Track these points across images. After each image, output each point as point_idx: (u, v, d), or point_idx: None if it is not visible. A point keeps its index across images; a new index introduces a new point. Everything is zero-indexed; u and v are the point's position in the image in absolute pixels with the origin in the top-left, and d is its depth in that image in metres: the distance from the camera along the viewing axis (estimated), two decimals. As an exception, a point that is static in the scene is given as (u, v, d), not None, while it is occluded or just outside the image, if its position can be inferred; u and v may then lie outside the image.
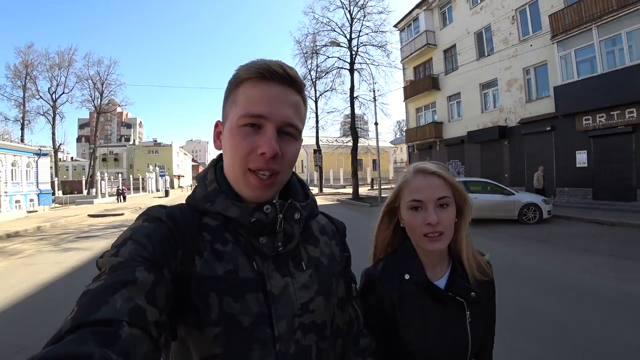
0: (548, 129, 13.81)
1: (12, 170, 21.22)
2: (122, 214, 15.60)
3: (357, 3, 19.22)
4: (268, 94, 0.59)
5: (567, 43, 12.81)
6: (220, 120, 0.66)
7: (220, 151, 0.67)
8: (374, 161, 44.99)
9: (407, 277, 0.87)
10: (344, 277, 0.76)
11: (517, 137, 15.33)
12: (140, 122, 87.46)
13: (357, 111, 20.83)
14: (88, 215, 14.99)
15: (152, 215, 0.60)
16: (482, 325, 0.88)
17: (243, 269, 0.59)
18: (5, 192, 15.87)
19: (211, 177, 0.65)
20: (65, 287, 4.94)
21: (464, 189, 0.87)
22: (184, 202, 0.66)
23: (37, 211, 19.16)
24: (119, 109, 38.97)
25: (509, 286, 4.15)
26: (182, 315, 0.56)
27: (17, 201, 20.70)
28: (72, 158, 70.05)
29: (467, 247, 0.89)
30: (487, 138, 16.56)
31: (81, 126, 78.13)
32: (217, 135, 0.67)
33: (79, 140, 77.41)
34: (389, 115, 60.07)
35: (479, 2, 17.48)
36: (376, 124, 17.41)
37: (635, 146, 11.37)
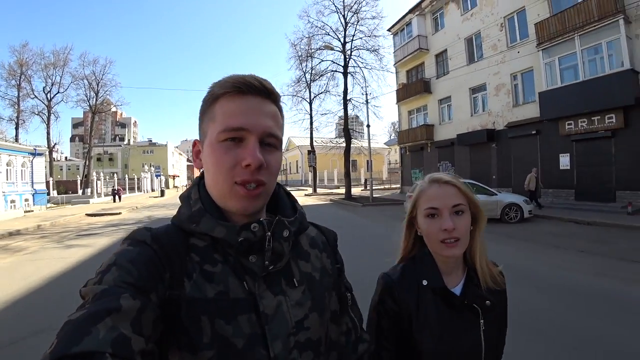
0: (533, 132, 14.35)
1: (7, 170, 21.29)
2: (119, 213, 15.88)
3: (351, 8, 19.71)
4: (246, 106, 0.59)
5: (551, 51, 13.35)
6: (198, 139, 0.66)
7: (201, 170, 0.67)
8: (367, 162, 45.70)
9: (424, 283, 0.90)
10: (337, 289, 0.75)
11: (505, 140, 15.87)
12: (135, 122, 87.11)
13: (350, 113, 21.28)
14: (86, 214, 15.27)
15: (136, 239, 0.58)
16: (495, 334, 0.91)
17: (234, 289, 0.58)
18: (3, 192, 16.03)
19: (195, 197, 0.64)
20: (71, 280, 5.29)
21: (476, 197, 0.91)
22: (169, 222, 0.66)
23: (33, 211, 19.32)
24: (113, 109, 38.93)
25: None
26: (174, 339, 0.54)
27: (12, 201, 20.75)
28: (66, 158, 69.62)
29: (482, 255, 0.92)
30: (475, 141, 17.08)
31: (75, 125, 77.61)
32: (197, 155, 0.66)
33: (72, 139, 76.87)
34: (381, 118, 60.77)
35: (469, 8, 18.02)
36: (368, 126, 17.92)
37: (614, 150, 11.93)
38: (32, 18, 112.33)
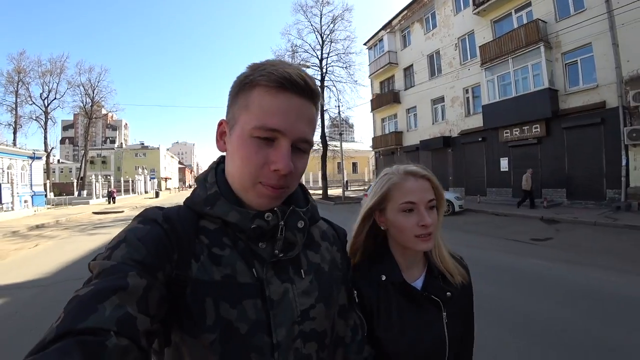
0: (480, 139, 16.62)
1: (7, 172, 22.93)
2: (122, 212, 17.91)
3: (328, 27, 21.87)
4: (286, 106, 0.56)
5: (492, 70, 15.62)
6: (225, 119, 0.63)
7: (223, 153, 0.65)
8: (353, 164, 47.87)
9: (383, 278, 0.88)
10: (345, 283, 0.75)
11: (459, 146, 18.12)
12: (126, 124, 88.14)
13: (331, 117, 23.40)
14: (92, 212, 17.19)
15: (148, 217, 0.58)
16: (459, 325, 0.90)
17: (241, 274, 0.57)
18: (17, 193, 17.76)
19: (212, 180, 0.63)
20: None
21: (443, 191, 0.91)
22: (181, 204, 0.64)
23: (36, 211, 21.00)
24: (103, 111, 40.29)
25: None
26: (176, 320, 0.54)
27: (11, 203, 22.43)
28: (58, 160, 70.56)
29: (440, 246, 0.92)
30: (435, 146, 19.32)
31: (65, 128, 78.41)
32: (221, 136, 0.63)
33: (62, 142, 77.69)
34: (352, 125, 63.34)
35: (431, 29, 20.31)
36: (340, 134, 20.06)
37: (540, 155, 14.20)
38: (29, 27, 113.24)
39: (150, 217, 0.58)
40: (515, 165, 15.19)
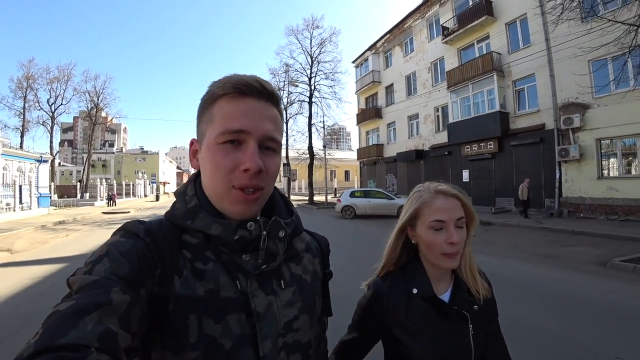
0: (446, 153, 18.76)
1: (17, 175, 24.74)
2: (129, 212, 19.98)
3: (317, 48, 24.12)
4: (246, 108, 0.58)
5: (456, 92, 17.80)
6: (195, 138, 0.64)
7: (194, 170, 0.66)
8: (345, 172, 49.97)
9: (415, 291, 0.91)
10: (324, 294, 0.77)
11: (429, 158, 20.26)
12: (125, 128, 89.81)
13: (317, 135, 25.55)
14: (102, 212, 19.17)
15: (129, 231, 0.57)
16: (484, 337, 0.93)
17: (225, 288, 0.57)
18: (35, 193, 19.68)
19: (191, 193, 0.63)
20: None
21: (473, 209, 0.93)
22: (162, 216, 0.63)
23: (49, 212, 22.82)
24: (103, 114, 41.97)
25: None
26: (158, 338, 0.53)
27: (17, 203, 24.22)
28: (59, 163, 72.12)
29: (471, 263, 0.94)
30: (409, 158, 21.46)
31: (64, 130, 79.88)
32: (194, 154, 0.65)
33: (61, 144, 79.27)
34: (349, 133, 65.40)
35: (409, 52, 22.60)
36: (324, 146, 22.16)
37: (494, 168, 16.33)
38: (38, 34, 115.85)
39: (132, 231, 0.57)
40: (474, 176, 17.30)
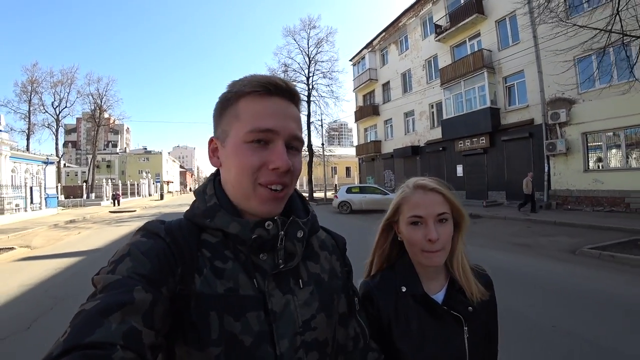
0: (441, 149, 19.26)
1: (25, 177, 25.46)
2: (134, 211, 20.81)
3: (315, 48, 24.62)
4: (274, 108, 0.59)
5: (450, 89, 18.26)
6: (214, 136, 0.65)
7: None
8: (346, 168, 50.47)
9: (403, 289, 0.88)
10: (345, 292, 0.76)
11: (425, 154, 20.77)
12: (128, 129, 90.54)
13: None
14: (109, 211, 19.93)
15: (150, 231, 0.59)
16: (481, 342, 0.88)
17: (244, 286, 0.58)
18: (45, 194, 20.41)
19: (210, 192, 0.64)
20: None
21: (461, 205, 0.89)
22: (182, 216, 0.65)
23: (59, 211, 23.57)
24: (106, 115, 42.62)
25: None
26: (181, 334, 0.54)
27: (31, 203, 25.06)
28: (64, 164, 72.98)
29: (464, 262, 0.90)
30: (406, 154, 21.96)
31: (68, 132, 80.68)
32: (213, 152, 0.65)
33: (65, 145, 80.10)
34: (351, 130, 65.57)
35: (404, 50, 23.03)
36: (323, 144, 22.72)
37: (486, 162, 16.83)
38: (41, 38, 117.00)
39: (153, 231, 0.59)
40: (467, 171, 17.82)
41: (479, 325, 0.88)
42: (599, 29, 7.18)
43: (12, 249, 8.20)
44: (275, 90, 0.60)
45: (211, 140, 0.66)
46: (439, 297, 0.89)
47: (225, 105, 0.62)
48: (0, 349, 3.11)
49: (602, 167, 12.87)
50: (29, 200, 18.08)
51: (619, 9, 7.62)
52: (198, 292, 0.56)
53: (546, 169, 14.18)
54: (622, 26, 7.51)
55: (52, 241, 9.82)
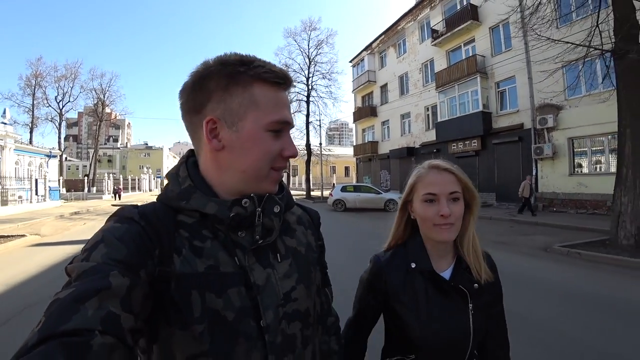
0: (435, 151, 19.77)
1: (27, 169, 25.96)
2: (137, 205, 21.23)
3: (315, 50, 25.16)
4: (286, 100, 0.64)
5: (444, 93, 18.79)
6: (214, 116, 0.61)
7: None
8: (345, 168, 51.04)
9: (413, 265, 0.92)
10: (320, 264, 0.80)
11: (420, 155, 21.27)
12: (129, 124, 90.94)
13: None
14: (111, 204, 20.50)
15: (123, 216, 0.58)
16: (484, 318, 0.91)
17: (224, 263, 0.59)
18: (49, 187, 20.95)
19: (184, 174, 0.64)
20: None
21: (474, 187, 0.94)
22: (154, 201, 0.65)
23: (62, 204, 24.07)
24: (108, 110, 43.07)
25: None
26: (163, 316, 0.55)
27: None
28: (66, 158, 73.30)
29: (474, 242, 0.93)
30: (401, 155, 22.51)
31: (69, 125, 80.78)
32: (212, 133, 0.61)
33: (66, 139, 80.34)
34: (352, 129, 66.93)
35: (402, 54, 23.56)
36: (320, 144, 23.29)
37: (477, 165, 17.37)
38: (46, 31, 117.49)
39: (126, 216, 0.58)
40: (461, 173, 18.37)
41: (483, 303, 0.92)
42: (570, 43, 7.70)
43: (23, 236, 8.74)
44: (285, 83, 0.64)
45: (210, 120, 0.61)
46: (446, 274, 0.93)
47: (234, 83, 0.60)
48: (30, 314, 3.78)
49: (587, 171, 13.41)
50: (33, 192, 18.64)
51: (599, 23, 8.15)
52: (178, 272, 0.56)
53: (534, 173, 14.71)
54: (601, 38, 8.04)
55: (60, 230, 10.38)
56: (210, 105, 0.61)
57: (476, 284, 0.91)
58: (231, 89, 0.60)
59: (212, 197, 0.62)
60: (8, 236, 8.63)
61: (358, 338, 1.02)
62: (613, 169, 12.43)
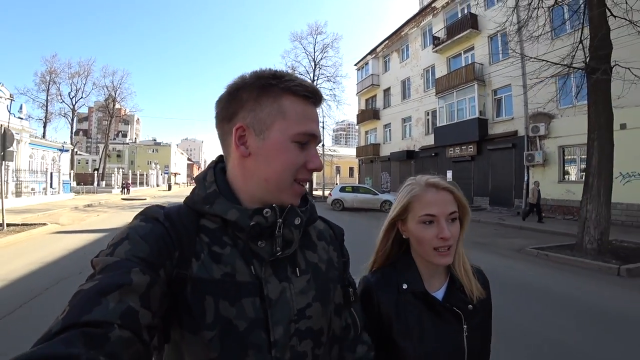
0: (433, 154, 20.42)
1: (40, 162, 26.94)
2: (145, 199, 22.37)
3: (321, 53, 25.91)
4: (314, 115, 0.66)
5: (443, 99, 19.38)
6: (244, 124, 0.63)
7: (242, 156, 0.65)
8: (350, 168, 51.71)
9: (405, 286, 0.89)
10: (342, 282, 0.76)
11: (419, 158, 21.94)
12: (138, 119, 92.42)
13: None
14: (121, 199, 21.47)
15: (149, 215, 0.61)
16: (479, 339, 0.90)
17: (240, 272, 0.59)
18: (63, 180, 21.95)
19: (210, 179, 0.66)
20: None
21: (467, 203, 0.91)
22: (181, 202, 0.67)
23: (74, 196, 25.04)
24: (117, 106, 44.19)
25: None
26: (176, 317, 0.56)
27: (43, 188, 26.52)
28: (76, 152, 74.70)
29: (464, 259, 0.92)
30: (401, 158, 23.15)
31: (79, 120, 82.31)
32: (242, 141, 0.64)
33: (76, 133, 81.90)
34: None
35: (405, 59, 24.16)
36: (323, 145, 24.04)
37: (473, 169, 17.97)
38: (59, 29, 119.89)
39: (152, 216, 0.61)
40: (456, 177, 18.91)
41: (477, 323, 0.90)
42: (545, 60, 8.33)
43: (44, 224, 9.62)
44: (314, 98, 0.65)
45: (240, 127, 0.63)
46: (439, 294, 0.90)
47: (265, 94, 0.62)
48: (64, 286, 4.65)
49: (575, 179, 13.93)
50: (48, 185, 19.64)
51: (582, 39, 8.75)
52: (195, 276, 0.57)
53: (525, 179, 15.28)
54: (584, 53, 8.62)
55: (77, 220, 11.32)
56: (242, 114, 0.63)
57: (470, 305, 0.89)
58: (262, 99, 0.62)
59: (235, 204, 0.63)
60: (32, 224, 9.55)
61: None
62: (600, 178, 13.06)
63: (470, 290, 0.90)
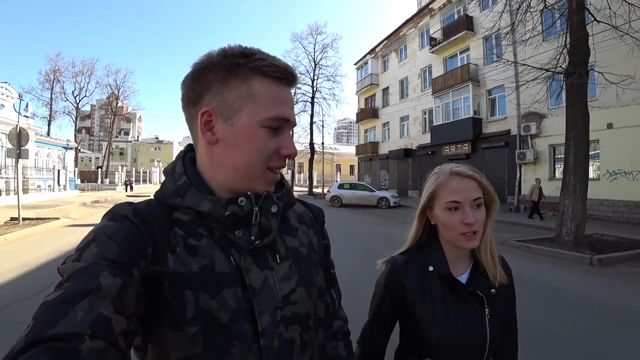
0: (430, 153, 20.92)
1: (46, 160, 27.50)
2: (149, 196, 22.76)
3: (321, 53, 26.39)
4: (287, 98, 0.61)
5: (439, 98, 19.85)
6: (210, 108, 0.59)
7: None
8: (350, 166, 52.22)
9: (430, 269, 0.93)
10: (323, 265, 0.76)
11: (416, 157, 22.44)
12: (140, 117, 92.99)
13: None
14: (126, 195, 22.04)
15: (117, 214, 0.57)
16: (500, 323, 0.93)
17: (219, 263, 0.57)
18: (70, 178, 22.56)
19: (180, 170, 0.62)
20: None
21: (493, 190, 0.93)
22: (151, 197, 0.63)
23: (80, 193, 25.63)
24: (120, 104, 44.63)
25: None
26: (156, 316, 0.53)
27: (49, 185, 26.07)
28: (79, 150, 75.43)
29: (491, 246, 0.94)
30: (399, 156, 23.66)
31: (82, 118, 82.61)
32: (207, 126, 0.60)
33: (79, 131, 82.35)
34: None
35: (403, 59, 24.64)
36: (322, 143, 24.57)
37: (468, 167, 18.44)
38: (65, 30, 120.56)
39: (120, 214, 0.57)
40: (453, 174, 19.48)
41: (499, 307, 0.92)
42: (527, 65, 8.83)
43: (57, 219, 10.21)
44: (287, 79, 0.60)
45: (205, 112, 0.59)
46: (463, 278, 0.93)
47: (232, 76, 0.58)
48: None
49: (565, 176, 14.41)
50: (55, 182, 20.25)
51: (565, 44, 9.23)
52: (172, 272, 0.55)
53: (517, 176, 15.79)
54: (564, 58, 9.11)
55: (87, 215, 11.89)
56: (207, 97, 0.59)
57: (493, 290, 0.91)
58: (229, 81, 0.58)
59: (207, 194, 0.60)
60: (45, 218, 10.17)
61: (378, 344, 1.02)
62: (591, 175, 13.50)
63: (493, 275, 0.92)
